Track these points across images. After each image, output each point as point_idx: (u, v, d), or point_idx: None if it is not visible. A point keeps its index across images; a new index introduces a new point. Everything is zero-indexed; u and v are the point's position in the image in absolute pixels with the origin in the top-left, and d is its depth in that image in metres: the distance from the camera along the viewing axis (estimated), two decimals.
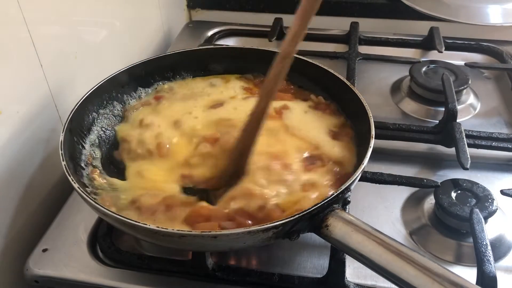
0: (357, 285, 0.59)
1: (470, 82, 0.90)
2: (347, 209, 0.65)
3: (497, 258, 0.63)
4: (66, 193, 0.73)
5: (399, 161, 0.79)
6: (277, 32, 1.06)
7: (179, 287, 0.61)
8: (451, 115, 0.79)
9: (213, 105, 0.75)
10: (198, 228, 0.55)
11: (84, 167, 0.66)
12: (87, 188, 0.62)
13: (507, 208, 0.70)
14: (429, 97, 0.90)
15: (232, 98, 0.77)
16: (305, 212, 0.51)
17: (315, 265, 0.63)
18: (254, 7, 1.21)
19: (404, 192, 0.73)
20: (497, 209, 0.65)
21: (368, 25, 1.12)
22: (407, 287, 0.47)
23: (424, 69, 0.93)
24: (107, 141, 0.72)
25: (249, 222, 0.56)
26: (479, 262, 0.57)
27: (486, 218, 0.64)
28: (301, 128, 0.70)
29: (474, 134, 0.79)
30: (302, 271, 0.62)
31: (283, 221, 0.50)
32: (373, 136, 0.62)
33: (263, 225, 0.50)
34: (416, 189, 0.73)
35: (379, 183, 0.70)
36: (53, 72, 0.73)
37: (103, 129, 0.73)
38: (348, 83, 0.72)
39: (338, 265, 0.58)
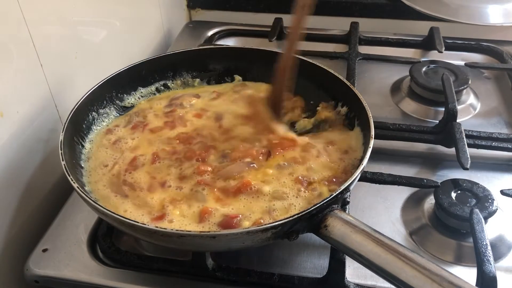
0: (357, 285, 0.59)
1: (470, 82, 0.90)
2: (347, 209, 0.65)
3: (497, 258, 0.63)
4: (66, 193, 0.73)
5: (399, 161, 0.79)
6: (277, 32, 1.06)
7: (179, 287, 0.61)
8: (451, 115, 0.79)
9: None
10: None
11: (84, 166, 0.66)
12: (86, 188, 0.63)
13: (507, 208, 0.70)
14: (429, 97, 0.90)
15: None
16: (304, 213, 0.51)
17: (315, 265, 0.63)
18: (254, 7, 1.21)
19: (404, 192, 0.73)
20: (497, 209, 0.65)
21: (368, 25, 1.12)
22: (406, 287, 0.47)
23: (424, 69, 0.93)
24: None
25: None
26: (479, 262, 0.57)
27: (486, 218, 0.64)
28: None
29: (474, 134, 0.79)
30: (302, 271, 0.62)
31: (282, 221, 0.50)
32: (373, 137, 0.62)
33: (262, 225, 0.50)
34: (416, 189, 0.73)
35: (379, 183, 0.70)
36: (53, 72, 0.73)
37: None
38: (348, 83, 0.72)
39: (338, 265, 0.58)
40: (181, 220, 0.58)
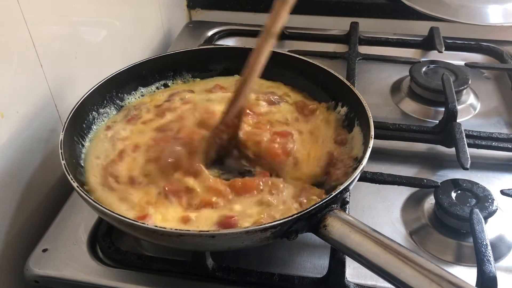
0: (357, 285, 0.59)
1: (470, 82, 0.90)
2: (347, 209, 0.65)
3: (497, 258, 0.63)
4: (66, 193, 0.73)
5: (399, 161, 0.79)
6: None
7: (179, 287, 0.61)
8: (451, 115, 0.79)
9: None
10: None
11: (83, 165, 0.66)
12: (86, 187, 0.63)
13: (507, 208, 0.70)
14: (429, 97, 0.90)
15: None
16: (303, 212, 0.51)
17: (315, 265, 0.63)
18: (254, 7, 1.21)
19: (404, 192, 0.73)
20: (497, 209, 0.65)
21: (368, 25, 1.12)
22: (405, 287, 0.47)
23: (424, 69, 0.93)
24: None
25: None
26: (479, 262, 0.57)
27: (486, 218, 0.64)
28: None
29: (474, 134, 0.79)
30: (302, 271, 0.62)
31: (281, 221, 0.50)
32: (373, 137, 0.62)
33: (261, 225, 0.50)
34: (416, 189, 0.73)
35: (379, 183, 0.70)
36: (53, 72, 0.73)
37: None
38: (348, 83, 0.72)
39: (338, 265, 0.58)
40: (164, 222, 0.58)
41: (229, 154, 0.66)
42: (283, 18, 0.63)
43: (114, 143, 0.69)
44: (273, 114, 0.73)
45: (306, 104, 0.76)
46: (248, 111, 0.71)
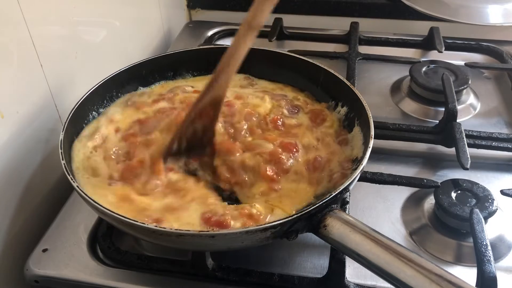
0: (357, 285, 0.59)
1: (470, 82, 0.90)
2: (347, 209, 0.65)
3: (497, 258, 0.63)
4: (66, 193, 0.73)
5: (399, 161, 0.79)
6: (277, 32, 1.06)
7: (179, 287, 0.61)
8: (451, 115, 0.79)
9: None
10: None
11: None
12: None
13: (507, 208, 0.70)
14: (429, 97, 0.90)
15: None
16: (303, 212, 0.51)
17: (315, 265, 0.63)
18: None
19: (404, 192, 0.73)
20: (497, 209, 0.65)
21: (368, 25, 1.12)
22: (405, 287, 0.47)
23: (424, 69, 0.93)
24: None
25: None
26: (479, 262, 0.57)
27: (486, 218, 0.64)
28: None
29: (474, 134, 0.79)
30: (302, 271, 0.62)
31: (281, 221, 0.50)
32: (372, 137, 0.62)
33: (261, 225, 0.50)
34: (416, 189, 0.73)
35: (379, 183, 0.69)
36: (53, 72, 0.73)
37: None
38: (348, 83, 0.72)
39: (338, 265, 0.58)
40: None
41: (201, 147, 0.66)
42: (266, 12, 0.62)
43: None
44: (298, 128, 0.71)
45: (320, 112, 0.74)
46: (279, 122, 0.71)
